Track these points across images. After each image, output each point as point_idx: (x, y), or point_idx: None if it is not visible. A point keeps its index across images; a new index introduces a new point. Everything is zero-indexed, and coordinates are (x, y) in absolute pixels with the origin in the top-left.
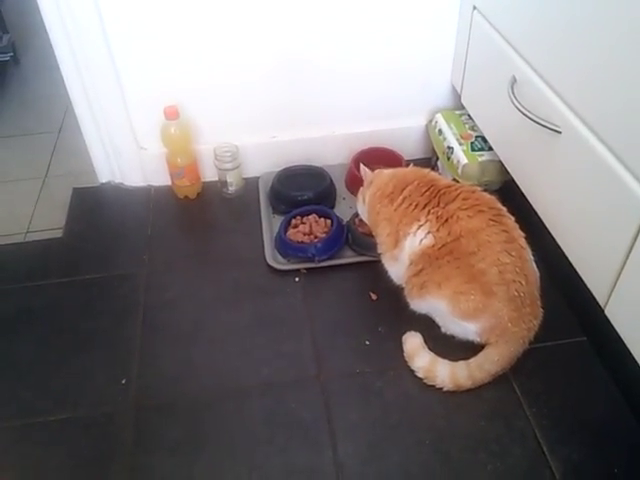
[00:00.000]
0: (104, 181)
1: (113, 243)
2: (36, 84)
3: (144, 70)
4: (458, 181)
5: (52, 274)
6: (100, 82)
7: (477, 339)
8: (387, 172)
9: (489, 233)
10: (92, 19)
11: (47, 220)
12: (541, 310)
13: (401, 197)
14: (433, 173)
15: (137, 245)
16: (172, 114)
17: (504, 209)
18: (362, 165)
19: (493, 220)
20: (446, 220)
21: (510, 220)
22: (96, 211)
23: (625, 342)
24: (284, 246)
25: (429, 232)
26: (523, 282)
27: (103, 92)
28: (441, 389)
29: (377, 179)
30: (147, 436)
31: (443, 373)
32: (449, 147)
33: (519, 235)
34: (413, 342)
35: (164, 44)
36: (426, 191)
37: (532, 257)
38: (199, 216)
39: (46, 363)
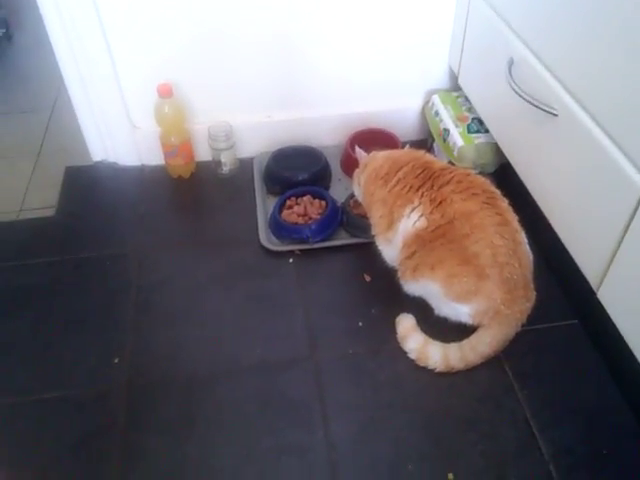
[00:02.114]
0: (97, 160)
1: (106, 222)
2: (29, 61)
3: (138, 47)
4: (454, 163)
5: (44, 253)
6: (93, 58)
7: (470, 321)
8: (382, 154)
9: (482, 216)
10: None
11: (40, 198)
12: (534, 293)
13: (395, 179)
14: (428, 155)
15: (130, 224)
16: (166, 92)
17: (498, 192)
18: (357, 148)
19: (487, 203)
20: (440, 203)
21: (504, 203)
22: (89, 190)
23: (616, 325)
24: (278, 227)
25: (422, 214)
26: (516, 265)
27: (96, 69)
28: (433, 370)
29: (372, 161)
30: (139, 415)
31: (435, 355)
32: (445, 129)
33: (513, 218)
34: (406, 324)
35: (158, 21)
36: (420, 173)
37: (526, 240)
38: (192, 196)
39: (38, 342)
